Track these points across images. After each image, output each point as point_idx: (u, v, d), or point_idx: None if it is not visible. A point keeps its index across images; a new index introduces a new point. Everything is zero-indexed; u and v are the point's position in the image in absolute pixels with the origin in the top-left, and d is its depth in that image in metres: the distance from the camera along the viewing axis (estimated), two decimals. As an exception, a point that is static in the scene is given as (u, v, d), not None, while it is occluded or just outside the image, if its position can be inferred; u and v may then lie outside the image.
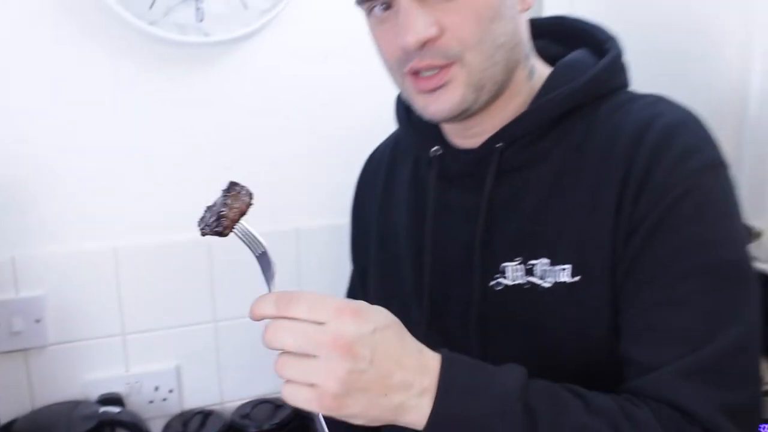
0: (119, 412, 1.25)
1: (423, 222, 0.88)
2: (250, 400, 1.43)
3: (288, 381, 0.61)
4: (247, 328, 1.42)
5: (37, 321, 1.29)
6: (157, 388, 1.38)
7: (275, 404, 1.40)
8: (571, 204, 0.77)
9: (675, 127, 0.74)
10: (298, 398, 0.60)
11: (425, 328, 0.86)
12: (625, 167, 0.74)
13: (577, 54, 0.85)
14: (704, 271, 0.71)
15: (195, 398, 1.42)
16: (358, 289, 1.09)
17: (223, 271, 1.41)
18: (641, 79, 0.87)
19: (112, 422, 1.24)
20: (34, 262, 1.29)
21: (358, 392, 0.60)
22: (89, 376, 1.34)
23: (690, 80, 1.05)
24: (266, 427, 1.33)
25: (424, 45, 0.74)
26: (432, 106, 0.78)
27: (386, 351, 0.61)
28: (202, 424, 1.34)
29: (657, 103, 0.79)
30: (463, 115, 0.79)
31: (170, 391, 1.39)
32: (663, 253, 0.72)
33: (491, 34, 0.75)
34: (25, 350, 1.30)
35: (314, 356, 0.59)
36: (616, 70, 0.83)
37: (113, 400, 1.31)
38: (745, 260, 0.73)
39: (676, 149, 0.72)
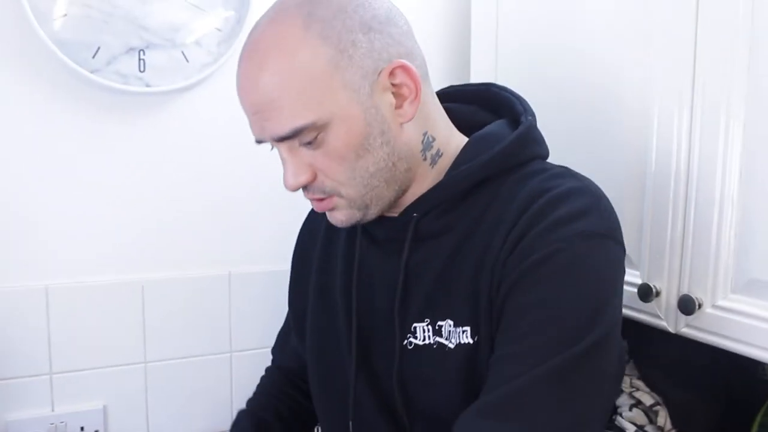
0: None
1: (351, 281, 0.94)
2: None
3: None
4: (178, 371, 1.45)
5: (-37, 359, 1.29)
6: (82, 429, 1.39)
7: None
8: (467, 269, 0.83)
9: (563, 196, 0.79)
10: None
11: (354, 379, 0.91)
12: (506, 232, 0.80)
13: (493, 126, 0.91)
14: (543, 334, 0.75)
15: (125, 442, 1.43)
16: (291, 331, 1.13)
17: (155, 313, 1.43)
18: (553, 137, 0.95)
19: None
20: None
21: None
22: (12, 416, 1.34)
23: (596, 137, 1.12)
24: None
25: (305, 186, 0.83)
26: (330, 219, 0.88)
27: None
28: (127, 465, 1.35)
29: (560, 175, 0.84)
30: (362, 221, 0.87)
31: (96, 432, 1.40)
32: (512, 308, 0.78)
33: (360, 169, 0.81)
34: (-52, 390, 1.29)
35: None
36: (527, 143, 0.88)
37: (36, 439, 1.31)
38: (591, 334, 0.74)
39: (554, 216, 0.78)
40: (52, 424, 1.36)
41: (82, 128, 1.35)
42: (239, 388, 1.51)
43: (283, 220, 1.44)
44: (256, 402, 1.14)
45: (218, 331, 1.49)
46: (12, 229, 1.32)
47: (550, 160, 0.92)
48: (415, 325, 0.85)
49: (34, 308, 1.34)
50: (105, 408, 1.41)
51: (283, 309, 1.19)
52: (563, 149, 1.00)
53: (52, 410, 1.37)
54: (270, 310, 1.50)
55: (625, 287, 0.85)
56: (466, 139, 0.90)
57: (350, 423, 0.93)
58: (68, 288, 1.36)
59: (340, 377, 0.95)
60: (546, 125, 0.94)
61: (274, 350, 1.22)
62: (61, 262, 1.36)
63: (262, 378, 1.21)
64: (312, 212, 1.11)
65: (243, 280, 1.50)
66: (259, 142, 0.84)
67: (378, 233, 0.92)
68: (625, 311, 0.98)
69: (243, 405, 1.39)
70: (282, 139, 0.80)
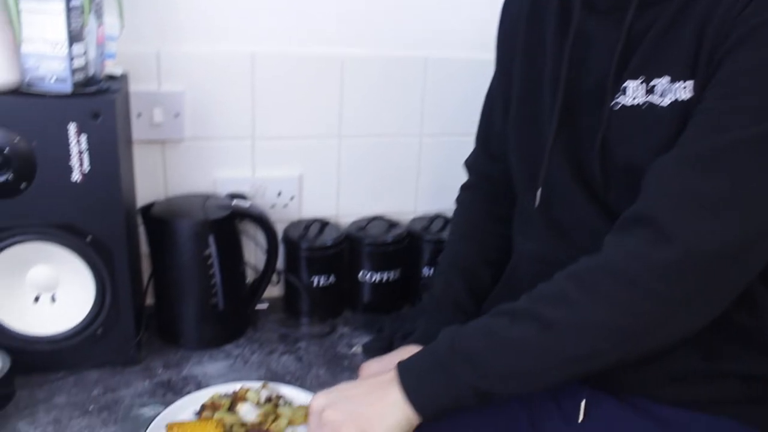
0: (250, 206, 1.34)
1: (564, 45, 0.89)
2: (365, 216, 1.51)
3: None
4: (369, 148, 1.47)
5: (176, 115, 1.35)
6: (279, 194, 1.46)
7: (389, 222, 1.48)
8: (690, 28, 0.77)
9: None
10: None
11: (551, 144, 0.90)
12: None
13: None
14: (758, 97, 0.71)
15: (313, 208, 1.50)
16: (496, 92, 1.10)
17: (352, 89, 1.44)
18: None
19: (242, 214, 1.33)
20: (177, 58, 1.33)
21: (364, 420, 0.79)
22: (219, 174, 1.42)
23: None
24: (380, 241, 1.42)
25: None
26: None
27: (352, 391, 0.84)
28: (320, 231, 1.43)
29: None
30: None
31: (291, 198, 1.47)
32: (732, 66, 0.73)
33: None
34: (162, 142, 1.37)
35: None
36: None
37: (240, 198, 1.39)
38: None
39: None
40: (253, 186, 1.44)
41: None
42: (425, 173, 1.54)
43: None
44: (461, 249, 1.12)
45: (410, 113, 1.49)
46: (223, -8, 1.32)
47: None
48: (627, 83, 0.82)
49: (240, 73, 1.37)
50: (301, 176, 1.47)
51: (475, 98, 1.17)
52: None
53: (253, 173, 1.44)
54: (462, 97, 1.48)
55: None
56: None
57: (539, 191, 0.92)
58: (273, 56, 1.38)
59: (537, 145, 0.93)
60: None
61: (474, 156, 1.19)
62: (268, 30, 1.36)
63: (461, 208, 1.18)
64: None
65: (438, 66, 1.47)
66: None
67: (599, 1, 0.86)
68: None
69: (426, 192, 1.42)
70: None
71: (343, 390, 0.85)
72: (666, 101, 0.79)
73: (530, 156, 0.94)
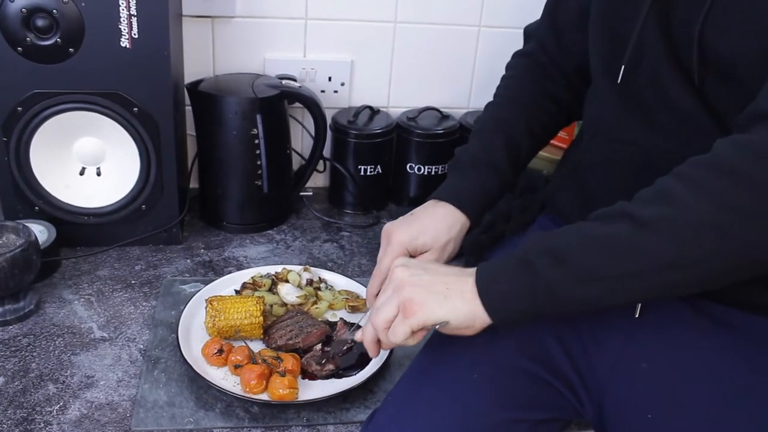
0: (300, 87, 1.29)
1: None
2: (417, 107, 1.45)
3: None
4: (424, 35, 1.41)
5: (227, -9, 1.30)
6: (330, 79, 1.41)
7: (441, 114, 1.42)
8: None
9: None
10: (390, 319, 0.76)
11: (643, 20, 0.79)
12: None
13: None
14: None
15: (363, 96, 1.45)
16: None
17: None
18: None
19: (292, 95, 1.28)
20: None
21: (425, 292, 0.75)
22: (269, 55, 1.37)
23: None
24: (431, 133, 1.37)
25: None
26: None
27: (433, 267, 0.80)
28: (370, 119, 1.38)
29: None
30: None
31: (342, 84, 1.42)
32: None
33: None
34: (213, 17, 1.32)
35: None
36: None
37: (290, 79, 1.34)
38: None
39: None
40: (303, 69, 1.39)
41: None
42: (481, 66, 1.47)
43: None
44: (507, 111, 1.02)
45: (470, 2, 1.41)
46: None
47: None
48: None
49: (294, -52, 1.31)
50: (352, 62, 1.41)
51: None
52: None
53: (304, 56, 1.39)
54: None
55: None
56: None
57: (623, 67, 0.83)
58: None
59: (623, 17, 0.83)
60: None
61: (537, 23, 1.07)
62: None
63: (512, 72, 1.07)
64: None
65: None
66: None
67: None
68: None
69: (481, 87, 1.36)
70: None
71: (426, 262, 0.83)
72: None
73: (614, 28, 0.85)
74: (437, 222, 0.93)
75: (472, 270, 0.76)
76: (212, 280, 1.09)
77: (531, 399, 0.81)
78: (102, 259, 1.17)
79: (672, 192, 0.66)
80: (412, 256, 0.92)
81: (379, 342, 0.80)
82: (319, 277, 1.12)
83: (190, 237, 1.26)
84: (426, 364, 0.85)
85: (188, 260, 1.19)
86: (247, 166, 1.25)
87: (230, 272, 1.13)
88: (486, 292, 0.73)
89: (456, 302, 0.74)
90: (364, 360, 0.95)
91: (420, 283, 0.76)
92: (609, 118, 0.88)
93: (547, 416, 0.82)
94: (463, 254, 1.12)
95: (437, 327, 0.75)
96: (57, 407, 0.87)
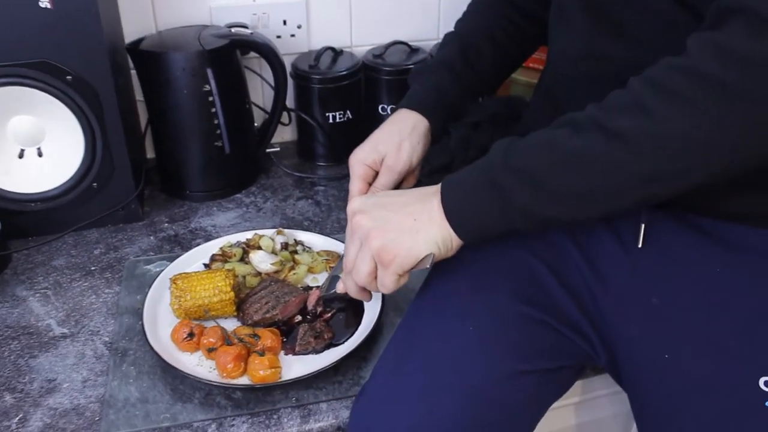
0: (252, 33, 1.18)
1: None
2: (383, 43, 1.33)
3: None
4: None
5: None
6: (285, 22, 1.29)
7: (410, 48, 1.31)
8: None
9: None
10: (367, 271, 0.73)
11: None
12: None
13: None
14: None
15: (324, 38, 1.33)
16: None
17: None
18: None
19: (244, 43, 1.17)
20: None
21: (394, 234, 0.71)
22: (215, 2, 1.25)
23: None
24: (401, 68, 1.26)
25: None
26: None
27: (390, 200, 0.75)
28: (333, 61, 1.27)
29: None
30: None
31: (298, 27, 1.30)
32: None
33: None
34: (147, -33, 1.20)
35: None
36: None
37: (240, 27, 1.22)
38: None
39: None
40: (254, 14, 1.27)
41: None
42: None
43: None
44: (465, 23, 1.00)
45: None
46: None
47: None
48: None
49: None
50: (308, 2, 1.29)
51: None
52: None
53: (254, 0, 1.27)
54: None
55: None
56: None
57: None
58: None
59: None
60: None
61: None
62: None
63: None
64: None
65: None
66: None
67: None
68: None
69: (451, 14, 1.25)
70: None
71: (382, 196, 0.78)
72: None
73: None
74: (391, 127, 0.90)
75: (435, 188, 0.72)
76: (179, 256, 0.99)
77: (534, 346, 0.74)
78: (57, 248, 1.07)
79: (647, 102, 0.61)
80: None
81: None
82: (295, 240, 1.02)
83: (152, 212, 1.16)
84: (413, 322, 0.78)
85: (152, 237, 1.09)
86: (203, 127, 1.14)
87: (198, 245, 1.03)
88: (455, 215, 0.70)
89: (428, 232, 0.71)
90: (356, 313, 0.89)
91: (385, 227, 0.72)
92: (576, 35, 0.79)
93: (555, 364, 0.75)
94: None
95: (427, 265, 0.71)
96: (16, 420, 0.78)
